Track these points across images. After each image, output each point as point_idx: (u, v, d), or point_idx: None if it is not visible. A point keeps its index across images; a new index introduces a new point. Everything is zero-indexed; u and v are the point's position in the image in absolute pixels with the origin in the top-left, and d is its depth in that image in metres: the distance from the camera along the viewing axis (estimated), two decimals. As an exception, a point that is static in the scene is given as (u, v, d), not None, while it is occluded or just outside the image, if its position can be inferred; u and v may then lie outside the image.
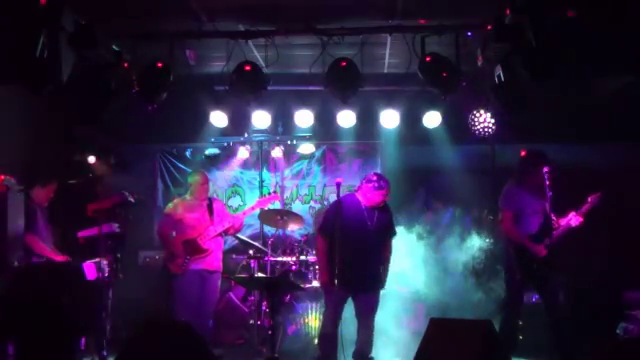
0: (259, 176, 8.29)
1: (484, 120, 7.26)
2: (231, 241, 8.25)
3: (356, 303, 5.86)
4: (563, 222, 6.13)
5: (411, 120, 7.50)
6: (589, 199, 6.12)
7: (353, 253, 5.62)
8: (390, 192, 5.88)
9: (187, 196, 6.79)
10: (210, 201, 6.76)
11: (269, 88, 6.42)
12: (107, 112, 6.20)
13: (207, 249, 6.49)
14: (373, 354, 5.93)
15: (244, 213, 6.89)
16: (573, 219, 6.10)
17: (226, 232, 6.77)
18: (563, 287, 6.13)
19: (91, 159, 8.04)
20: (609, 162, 7.52)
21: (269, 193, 7.20)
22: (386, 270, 5.97)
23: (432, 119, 7.36)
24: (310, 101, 7.35)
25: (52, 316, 5.49)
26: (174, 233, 6.53)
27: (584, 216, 6.10)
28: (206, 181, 6.80)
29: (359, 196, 5.90)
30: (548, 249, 5.94)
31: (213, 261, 6.56)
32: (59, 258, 6.31)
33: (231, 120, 7.45)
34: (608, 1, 4.94)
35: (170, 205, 6.83)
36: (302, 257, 7.30)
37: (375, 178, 5.83)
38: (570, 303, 6.25)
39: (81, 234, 6.91)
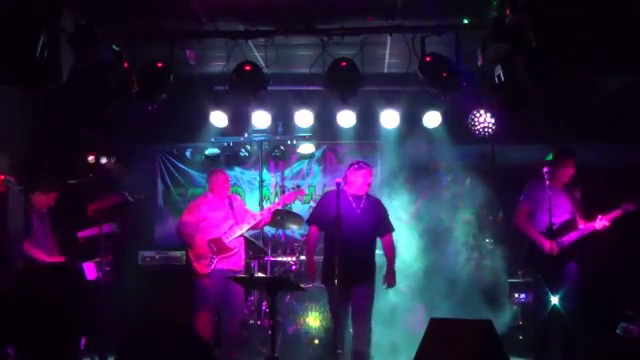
0: (259, 176, 8.28)
1: (484, 120, 7.26)
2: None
3: (351, 297, 5.80)
4: (588, 225, 6.10)
5: (411, 120, 7.50)
6: (622, 206, 6.04)
7: (344, 244, 5.56)
8: (369, 174, 5.98)
9: (208, 195, 6.73)
10: (230, 199, 6.70)
11: (269, 88, 6.41)
12: (107, 112, 6.20)
13: (233, 248, 6.46)
14: (373, 354, 5.93)
15: (269, 209, 6.75)
16: (598, 222, 6.05)
17: (254, 228, 6.73)
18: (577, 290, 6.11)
19: (91, 159, 8.04)
20: (609, 162, 7.51)
21: (292, 188, 7.11)
22: (391, 270, 5.96)
23: (432, 119, 7.37)
24: (310, 101, 7.34)
25: (52, 317, 5.50)
26: (197, 234, 6.45)
27: (611, 221, 6.05)
28: (227, 180, 6.76)
29: (346, 188, 5.98)
30: (561, 248, 5.97)
31: (238, 260, 6.54)
32: (55, 260, 6.32)
33: (231, 120, 7.45)
34: (608, 1, 4.94)
35: (191, 204, 6.75)
36: (302, 257, 7.31)
37: (356, 162, 6.11)
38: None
39: (81, 234, 6.91)
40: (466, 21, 5.93)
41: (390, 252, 6.02)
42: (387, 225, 6.09)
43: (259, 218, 6.61)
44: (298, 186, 7.28)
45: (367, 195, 6.06)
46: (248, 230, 6.79)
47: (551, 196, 5.91)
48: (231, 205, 6.61)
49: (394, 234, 6.15)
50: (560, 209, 6.05)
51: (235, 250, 6.48)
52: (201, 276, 6.37)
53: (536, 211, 6.20)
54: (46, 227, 6.48)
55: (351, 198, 5.95)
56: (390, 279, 5.96)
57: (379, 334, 6.26)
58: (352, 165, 6.08)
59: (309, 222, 6.23)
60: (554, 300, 5.96)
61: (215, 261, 6.37)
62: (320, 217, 6.03)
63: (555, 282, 5.99)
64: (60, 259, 6.39)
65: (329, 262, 5.81)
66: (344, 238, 5.55)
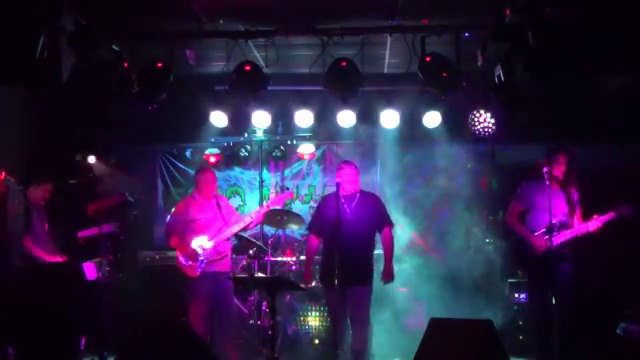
0: (259, 176, 8.28)
1: (484, 120, 7.27)
2: (231, 241, 8.25)
3: (347, 297, 5.78)
4: (581, 226, 6.08)
5: (411, 120, 7.51)
6: (617, 209, 5.99)
7: (339, 245, 5.55)
8: (349, 173, 5.95)
9: (195, 195, 6.54)
10: (217, 199, 6.52)
11: (269, 88, 6.41)
12: (107, 112, 6.20)
13: (223, 251, 6.35)
14: (373, 352, 5.92)
15: (259, 212, 6.56)
16: (592, 223, 6.03)
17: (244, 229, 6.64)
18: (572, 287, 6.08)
19: (91, 159, 8.04)
20: (609, 162, 7.52)
21: (281, 190, 7.03)
22: (389, 266, 5.92)
23: (432, 119, 7.37)
24: (310, 101, 7.35)
25: (52, 316, 5.50)
26: (186, 235, 6.34)
27: (604, 224, 6.02)
28: (215, 179, 6.58)
29: (340, 190, 5.94)
30: (550, 247, 5.93)
31: (227, 263, 6.44)
32: (55, 259, 6.32)
33: (231, 120, 7.45)
34: (608, 1, 4.94)
35: (178, 205, 6.65)
36: (302, 257, 7.31)
37: (339, 162, 6.24)
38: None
39: (81, 234, 6.91)
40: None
41: (388, 246, 5.99)
42: (383, 219, 6.04)
43: (249, 220, 6.46)
44: (287, 188, 7.25)
45: (361, 192, 6.05)
46: (239, 232, 6.71)
47: (545, 195, 5.91)
48: (218, 205, 6.44)
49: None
50: (554, 209, 6.05)
51: (225, 253, 6.39)
52: (191, 279, 6.27)
53: (529, 211, 6.20)
54: (44, 223, 6.48)
55: (343, 199, 5.92)
56: (387, 274, 5.92)
57: (379, 334, 6.26)
58: (337, 166, 6.16)
59: (308, 229, 6.33)
60: (548, 300, 5.96)
61: (204, 264, 6.25)
62: (316, 223, 6.14)
63: (547, 282, 5.98)
64: (60, 258, 6.38)
65: (326, 262, 5.88)
66: (337, 241, 5.56)
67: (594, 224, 6.04)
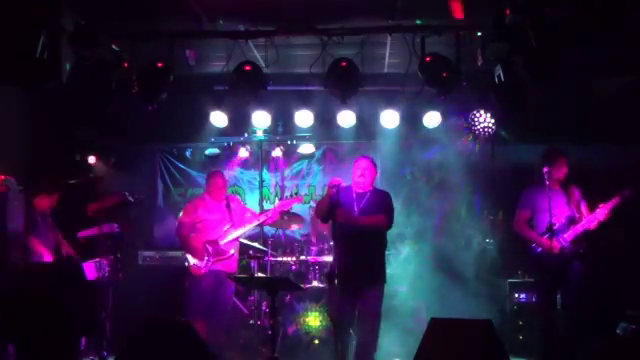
0: (259, 176, 8.28)
1: (484, 120, 7.27)
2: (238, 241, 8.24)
3: (357, 302, 5.56)
4: (590, 217, 6.06)
5: (411, 120, 7.51)
6: (620, 193, 6.01)
7: (347, 242, 5.44)
8: (368, 168, 5.65)
9: (205, 196, 6.65)
10: (227, 200, 6.61)
11: (269, 88, 6.41)
12: (107, 112, 6.20)
13: (227, 251, 6.41)
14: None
15: (275, 211, 6.53)
16: (599, 211, 6.02)
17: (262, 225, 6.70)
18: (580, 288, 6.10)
19: (91, 159, 8.04)
20: (609, 162, 7.51)
21: (291, 195, 6.98)
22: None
23: (432, 119, 7.37)
24: (310, 101, 7.35)
25: (52, 316, 5.49)
26: (193, 234, 6.44)
27: (611, 210, 6.01)
28: (224, 184, 6.67)
29: (352, 185, 5.73)
30: (564, 246, 5.98)
31: (232, 263, 6.49)
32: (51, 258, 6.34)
33: (231, 120, 7.45)
34: (608, 1, 4.94)
35: (187, 208, 6.66)
36: (302, 257, 7.31)
37: (357, 157, 5.88)
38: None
39: (81, 234, 6.91)
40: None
41: (373, 218, 5.57)
42: (384, 213, 5.64)
43: (264, 218, 6.50)
44: (296, 193, 7.24)
45: (373, 190, 5.73)
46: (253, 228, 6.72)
47: (545, 196, 5.91)
48: (228, 206, 6.52)
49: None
50: (558, 209, 6.05)
51: (230, 253, 6.43)
52: (195, 277, 6.32)
53: (535, 214, 6.21)
54: (49, 227, 6.50)
55: (354, 195, 5.67)
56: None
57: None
58: (354, 161, 5.83)
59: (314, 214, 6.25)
60: (557, 299, 5.97)
61: (210, 263, 6.31)
62: (322, 210, 5.72)
63: (559, 281, 5.99)
64: (70, 251, 6.46)
65: (335, 264, 5.49)
66: (346, 239, 5.45)
67: (602, 212, 6.03)
